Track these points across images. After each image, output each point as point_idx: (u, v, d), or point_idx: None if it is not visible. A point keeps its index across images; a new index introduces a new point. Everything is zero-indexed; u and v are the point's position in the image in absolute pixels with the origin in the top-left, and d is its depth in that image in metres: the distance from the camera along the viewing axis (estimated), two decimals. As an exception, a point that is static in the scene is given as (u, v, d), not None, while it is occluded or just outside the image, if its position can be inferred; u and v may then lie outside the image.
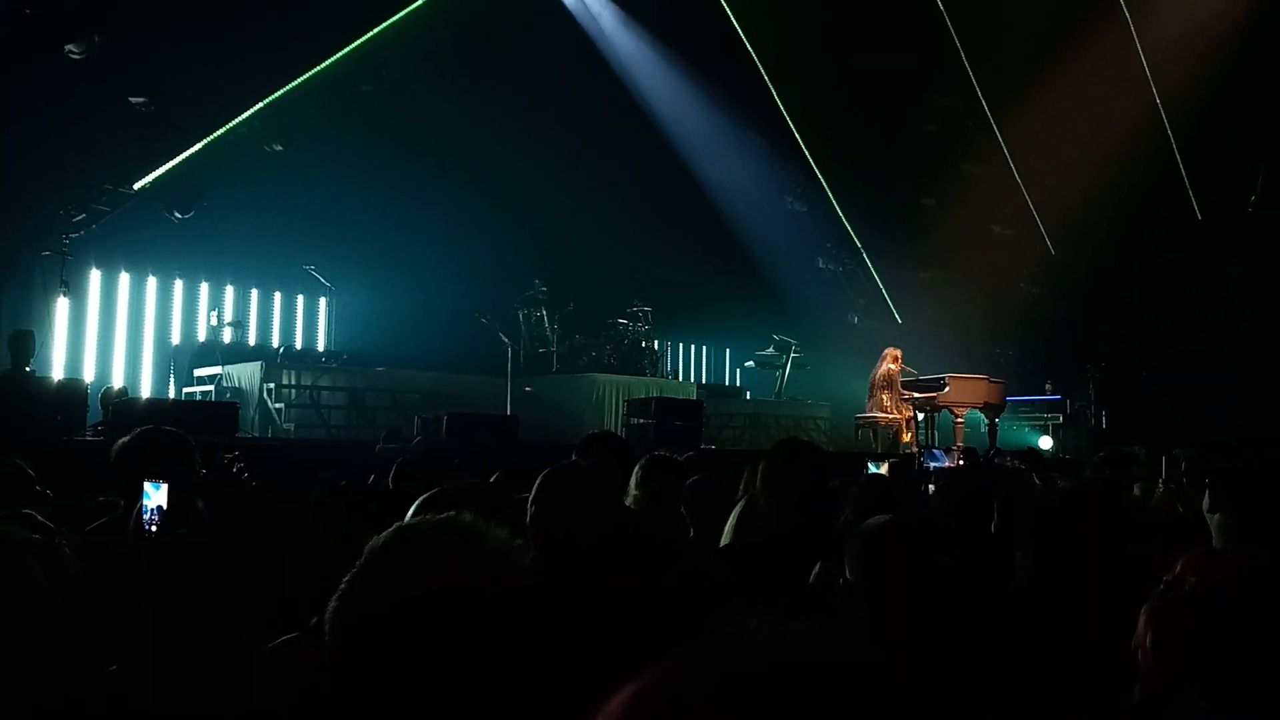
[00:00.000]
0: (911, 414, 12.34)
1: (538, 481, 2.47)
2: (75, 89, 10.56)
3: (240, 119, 12.53)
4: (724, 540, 3.39)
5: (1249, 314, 13.69)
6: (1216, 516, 2.64)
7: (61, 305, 10.94)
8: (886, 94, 15.37)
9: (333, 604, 1.12)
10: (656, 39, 15.58)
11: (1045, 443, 14.14)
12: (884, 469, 5.79)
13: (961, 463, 6.32)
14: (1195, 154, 15.17)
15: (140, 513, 2.72)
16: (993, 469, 6.08)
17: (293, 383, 11.22)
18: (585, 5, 15.48)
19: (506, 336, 12.44)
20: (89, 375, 11.62)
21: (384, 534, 1.17)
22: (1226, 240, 14.41)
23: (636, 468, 3.50)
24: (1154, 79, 14.89)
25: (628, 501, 3.41)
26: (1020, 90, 15.26)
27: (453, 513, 1.20)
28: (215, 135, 12.42)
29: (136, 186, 11.84)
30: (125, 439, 3.08)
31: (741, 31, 15.81)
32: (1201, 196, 15.34)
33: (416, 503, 2.06)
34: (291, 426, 10.84)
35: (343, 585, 1.13)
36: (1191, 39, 13.78)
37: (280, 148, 12.68)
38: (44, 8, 10.15)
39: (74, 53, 10.45)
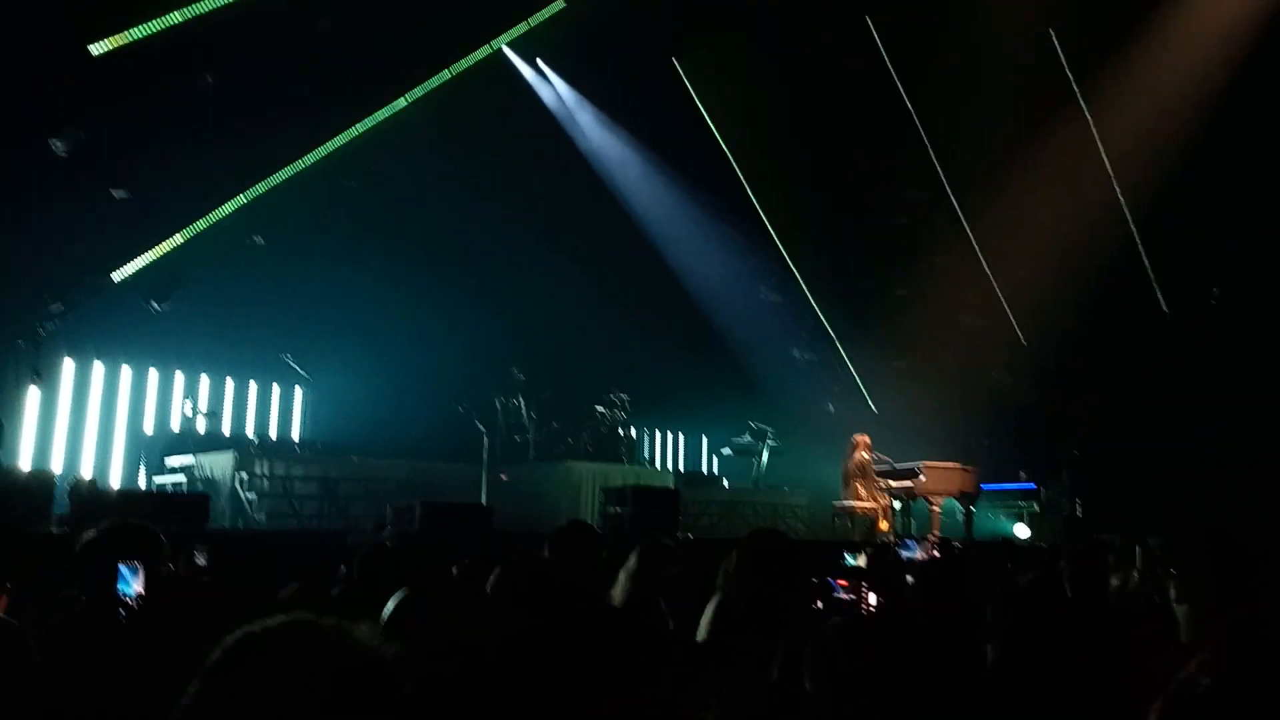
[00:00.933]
0: (889, 502, 12.34)
1: (492, 578, 2.48)
2: (58, 180, 10.68)
3: (221, 212, 12.67)
4: (701, 633, 3.36)
5: (1217, 403, 13.92)
6: (1184, 607, 2.66)
7: (32, 394, 10.84)
8: (857, 187, 15.79)
9: (179, 707, 1.10)
10: (632, 135, 16.01)
11: (1022, 531, 14.13)
12: (861, 560, 5.78)
13: (936, 554, 6.33)
14: (1157, 246, 15.60)
15: (114, 597, 2.68)
16: (967, 560, 6.07)
17: (266, 472, 11.11)
18: (563, 103, 15.93)
19: (483, 424, 12.41)
20: (57, 466, 11.45)
21: (228, 638, 1.13)
22: (1190, 330, 14.72)
23: (633, 555, 3.48)
24: (1114, 173, 15.40)
25: (618, 587, 3.39)
26: (986, 183, 15.72)
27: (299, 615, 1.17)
28: (195, 227, 12.53)
29: (116, 277, 11.88)
30: (91, 532, 3.04)
31: (714, 127, 16.27)
32: (1165, 287, 15.72)
33: (391, 601, 2.06)
34: (263, 517, 10.69)
35: (187, 691, 1.10)
36: (1149, 134, 14.30)
37: (261, 240, 12.80)
38: (28, 101, 10.32)
39: (58, 148, 10.58)
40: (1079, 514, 13.15)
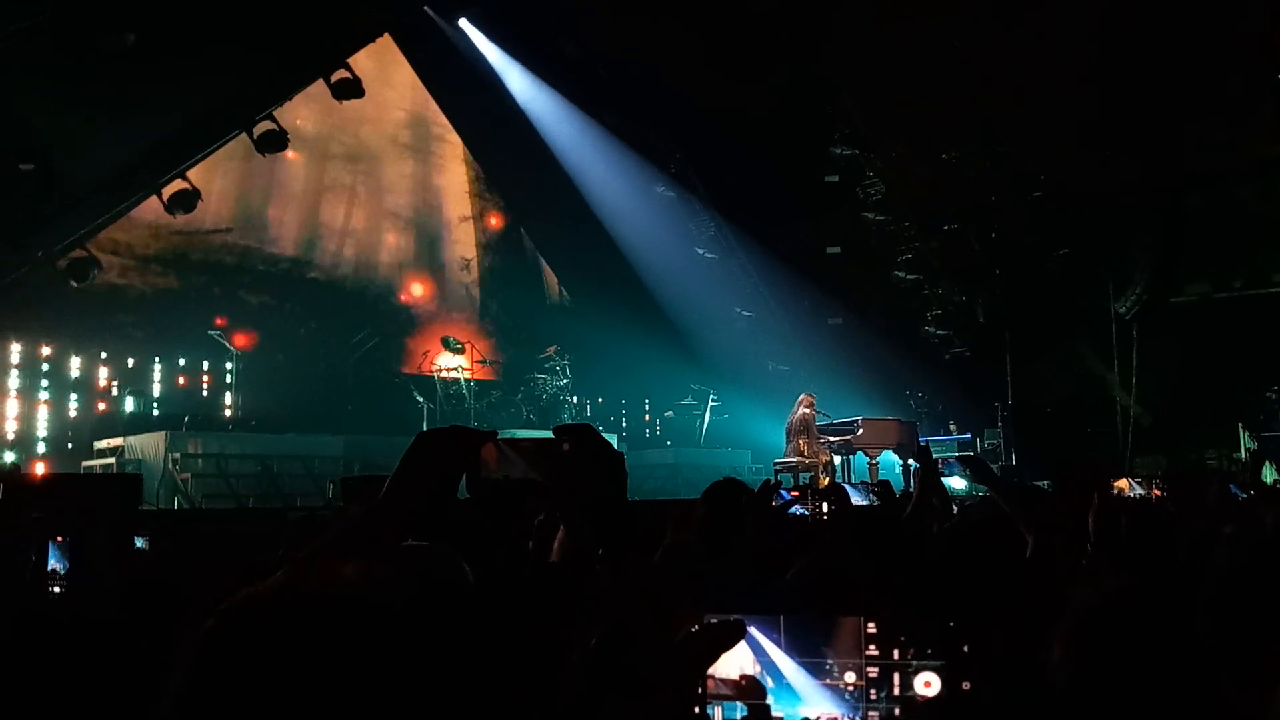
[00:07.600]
0: (829, 457, 12.51)
1: None
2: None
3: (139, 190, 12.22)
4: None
5: (1138, 349, 14.35)
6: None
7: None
8: (788, 147, 15.82)
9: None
10: (566, 99, 15.78)
11: (958, 483, 14.42)
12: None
13: (874, 496, 6.37)
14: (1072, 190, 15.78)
15: (39, 574, 2.59)
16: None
17: (199, 452, 10.85)
18: (494, 68, 15.61)
19: (422, 395, 12.27)
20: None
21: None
22: (1106, 280, 15.05)
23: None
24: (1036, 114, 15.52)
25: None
26: (911, 138, 15.86)
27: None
28: (114, 203, 12.08)
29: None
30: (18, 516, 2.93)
31: (648, 91, 16.12)
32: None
33: None
34: (200, 497, 10.46)
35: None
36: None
37: (182, 212, 12.40)
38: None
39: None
40: (1014, 462, 13.49)
